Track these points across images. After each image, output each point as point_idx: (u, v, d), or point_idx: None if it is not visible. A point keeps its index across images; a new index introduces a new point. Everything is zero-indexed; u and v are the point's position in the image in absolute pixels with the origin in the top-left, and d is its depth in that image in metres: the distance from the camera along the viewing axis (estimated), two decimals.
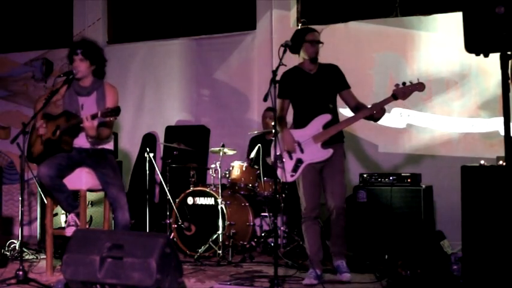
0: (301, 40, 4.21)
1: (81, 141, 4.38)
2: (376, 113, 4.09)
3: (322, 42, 4.25)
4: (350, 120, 4.25)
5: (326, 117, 4.16)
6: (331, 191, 4.17)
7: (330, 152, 4.13)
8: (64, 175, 4.30)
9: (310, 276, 4.06)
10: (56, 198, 4.33)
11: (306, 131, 4.19)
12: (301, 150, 4.18)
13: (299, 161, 4.17)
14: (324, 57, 4.34)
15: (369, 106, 4.18)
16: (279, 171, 4.15)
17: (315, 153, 4.15)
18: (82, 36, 4.57)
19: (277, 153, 4.05)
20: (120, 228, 4.22)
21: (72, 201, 4.34)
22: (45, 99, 4.30)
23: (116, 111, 4.03)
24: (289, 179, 4.20)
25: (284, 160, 4.14)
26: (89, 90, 4.38)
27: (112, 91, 4.40)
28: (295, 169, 4.18)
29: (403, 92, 4.04)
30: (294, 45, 4.14)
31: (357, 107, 4.22)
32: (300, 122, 4.24)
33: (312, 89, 4.22)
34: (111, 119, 4.08)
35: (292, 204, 5.65)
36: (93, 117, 4.11)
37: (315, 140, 4.15)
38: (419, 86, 4.05)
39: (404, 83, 4.05)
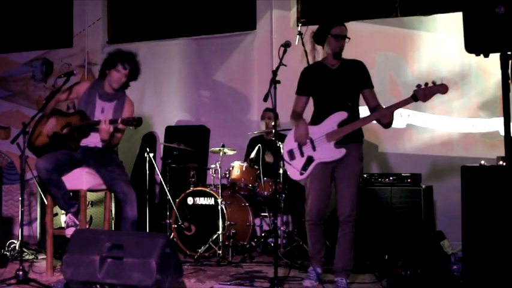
0: (325, 33, 3.95)
1: (87, 140, 4.37)
2: (383, 118, 3.86)
3: (349, 38, 3.95)
4: (366, 120, 3.93)
5: (342, 115, 3.87)
6: (341, 197, 3.91)
7: (342, 152, 3.85)
8: (62, 172, 4.26)
9: (310, 277, 4.01)
10: (52, 194, 4.29)
11: (320, 128, 3.92)
12: (313, 148, 3.92)
13: (310, 159, 3.93)
14: None
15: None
16: (289, 168, 3.99)
17: (327, 152, 3.88)
18: (131, 52, 4.57)
19: (287, 150, 3.98)
20: (128, 224, 4.15)
21: (69, 199, 4.31)
22: (63, 91, 4.37)
23: (138, 121, 4.05)
24: (299, 177, 3.99)
25: (295, 157, 3.97)
26: (111, 97, 4.42)
27: (131, 105, 4.47)
28: (305, 167, 3.95)
29: (424, 93, 3.71)
30: (318, 37, 3.99)
31: (375, 109, 3.95)
32: (317, 118, 3.98)
33: (331, 84, 3.94)
34: (130, 127, 4.14)
35: (293, 204, 5.66)
36: (112, 122, 4.13)
37: (328, 139, 3.88)
38: (442, 88, 3.71)
39: (426, 84, 3.70)
